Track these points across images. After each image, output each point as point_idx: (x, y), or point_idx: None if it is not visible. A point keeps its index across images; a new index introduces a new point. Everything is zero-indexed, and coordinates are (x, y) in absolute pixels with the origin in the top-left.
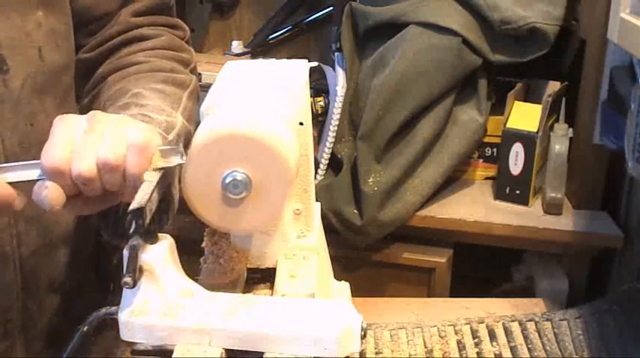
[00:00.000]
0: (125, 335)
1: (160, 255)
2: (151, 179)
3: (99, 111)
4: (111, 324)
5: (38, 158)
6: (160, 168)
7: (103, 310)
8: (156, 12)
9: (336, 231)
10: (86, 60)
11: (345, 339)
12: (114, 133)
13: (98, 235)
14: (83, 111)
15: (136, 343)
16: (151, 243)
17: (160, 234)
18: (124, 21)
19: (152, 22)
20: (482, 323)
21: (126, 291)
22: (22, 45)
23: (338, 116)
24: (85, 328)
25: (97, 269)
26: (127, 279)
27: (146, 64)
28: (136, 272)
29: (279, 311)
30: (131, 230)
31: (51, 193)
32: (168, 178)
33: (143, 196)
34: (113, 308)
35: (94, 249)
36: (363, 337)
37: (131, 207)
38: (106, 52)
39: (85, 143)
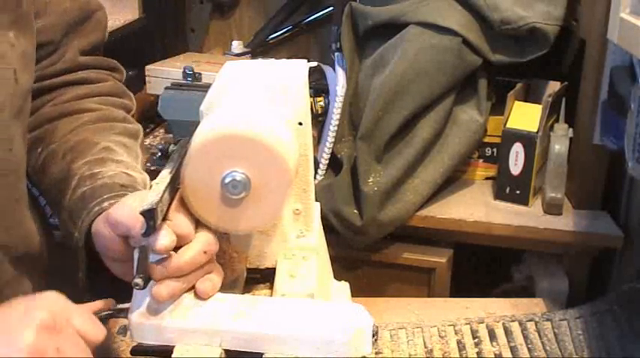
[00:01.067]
0: (136, 335)
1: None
2: (161, 180)
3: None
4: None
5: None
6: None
7: (110, 309)
8: (97, 50)
9: (336, 231)
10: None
11: (356, 341)
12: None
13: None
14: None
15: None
16: None
17: None
18: (71, 59)
19: (98, 64)
20: (482, 323)
21: (136, 292)
22: None
23: (338, 116)
24: None
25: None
26: (138, 280)
27: (99, 112)
28: (146, 273)
29: (290, 313)
30: (142, 231)
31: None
32: (178, 179)
33: (154, 197)
34: (116, 309)
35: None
36: (375, 339)
37: (142, 208)
38: (48, 88)
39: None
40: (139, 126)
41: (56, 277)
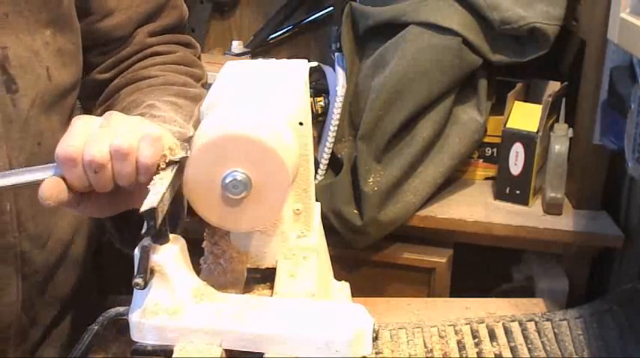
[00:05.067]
0: (136, 336)
1: (171, 256)
2: (162, 179)
3: (115, 111)
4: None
5: None
6: (167, 162)
7: (113, 310)
8: (170, 31)
9: (336, 231)
10: (102, 81)
11: (356, 341)
12: (128, 127)
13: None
14: None
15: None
16: (163, 244)
17: (171, 235)
18: (140, 41)
19: (166, 41)
20: (482, 323)
21: (136, 292)
22: (30, 64)
23: (338, 116)
24: (96, 328)
25: (93, 277)
26: (138, 280)
27: (159, 78)
28: (147, 273)
29: (291, 313)
30: (143, 230)
31: (46, 184)
32: (180, 179)
33: (155, 196)
34: (123, 309)
35: (92, 260)
36: (375, 339)
37: (143, 208)
38: (121, 71)
39: (99, 133)
40: (202, 91)
41: (93, 271)
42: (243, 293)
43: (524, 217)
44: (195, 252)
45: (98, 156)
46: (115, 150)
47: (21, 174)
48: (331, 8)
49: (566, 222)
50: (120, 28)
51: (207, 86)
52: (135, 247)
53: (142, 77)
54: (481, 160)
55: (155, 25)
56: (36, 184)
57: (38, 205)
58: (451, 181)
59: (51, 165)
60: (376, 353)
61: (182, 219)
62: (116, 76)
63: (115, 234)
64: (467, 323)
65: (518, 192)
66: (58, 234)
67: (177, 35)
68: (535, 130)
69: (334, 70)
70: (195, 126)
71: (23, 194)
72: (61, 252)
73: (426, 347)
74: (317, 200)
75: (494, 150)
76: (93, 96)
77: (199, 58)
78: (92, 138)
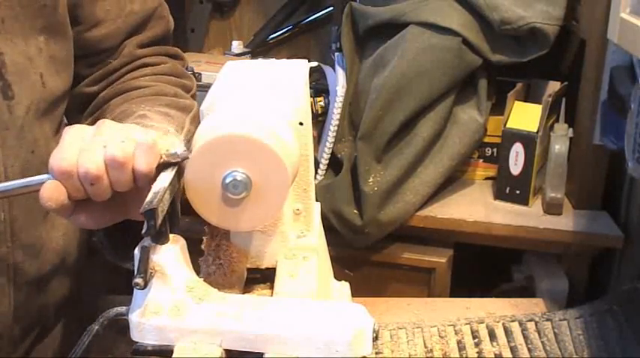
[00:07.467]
0: (136, 336)
1: (171, 256)
2: (162, 180)
3: (107, 119)
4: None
5: None
6: (167, 163)
7: (113, 310)
8: (158, 43)
9: (336, 231)
10: (90, 94)
11: (356, 341)
12: (121, 134)
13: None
14: None
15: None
16: (163, 244)
17: (171, 235)
18: (129, 53)
19: (155, 53)
20: (482, 323)
21: (136, 292)
22: (26, 70)
23: (338, 116)
24: (96, 328)
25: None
26: (138, 280)
27: (150, 88)
28: (147, 273)
29: (291, 312)
30: (143, 230)
31: (48, 186)
32: (179, 179)
33: (155, 196)
34: (123, 309)
35: (85, 265)
36: (375, 339)
37: (143, 208)
38: (110, 83)
39: (92, 143)
40: (192, 102)
41: (86, 279)
42: (243, 293)
43: (524, 217)
44: (195, 252)
45: (93, 168)
46: (109, 159)
47: (17, 185)
48: (331, 8)
49: (566, 222)
50: (108, 38)
51: (198, 81)
52: (127, 260)
53: (133, 87)
54: (481, 160)
55: (143, 37)
56: (32, 191)
57: (32, 215)
58: (451, 181)
59: (45, 176)
60: (376, 353)
61: (179, 219)
62: (105, 88)
63: (108, 246)
64: (467, 323)
65: (518, 192)
66: (52, 244)
67: (165, 47)
68: (535, 130)
69: (334, 70)
70: (187, 137)
71: (18, 204)
72: (55, 262)
73: (426, 347)
74: (317, 200)
75: (494, 150)
76: (80, 110)
77: (187, 69)
78: (85, 148)
